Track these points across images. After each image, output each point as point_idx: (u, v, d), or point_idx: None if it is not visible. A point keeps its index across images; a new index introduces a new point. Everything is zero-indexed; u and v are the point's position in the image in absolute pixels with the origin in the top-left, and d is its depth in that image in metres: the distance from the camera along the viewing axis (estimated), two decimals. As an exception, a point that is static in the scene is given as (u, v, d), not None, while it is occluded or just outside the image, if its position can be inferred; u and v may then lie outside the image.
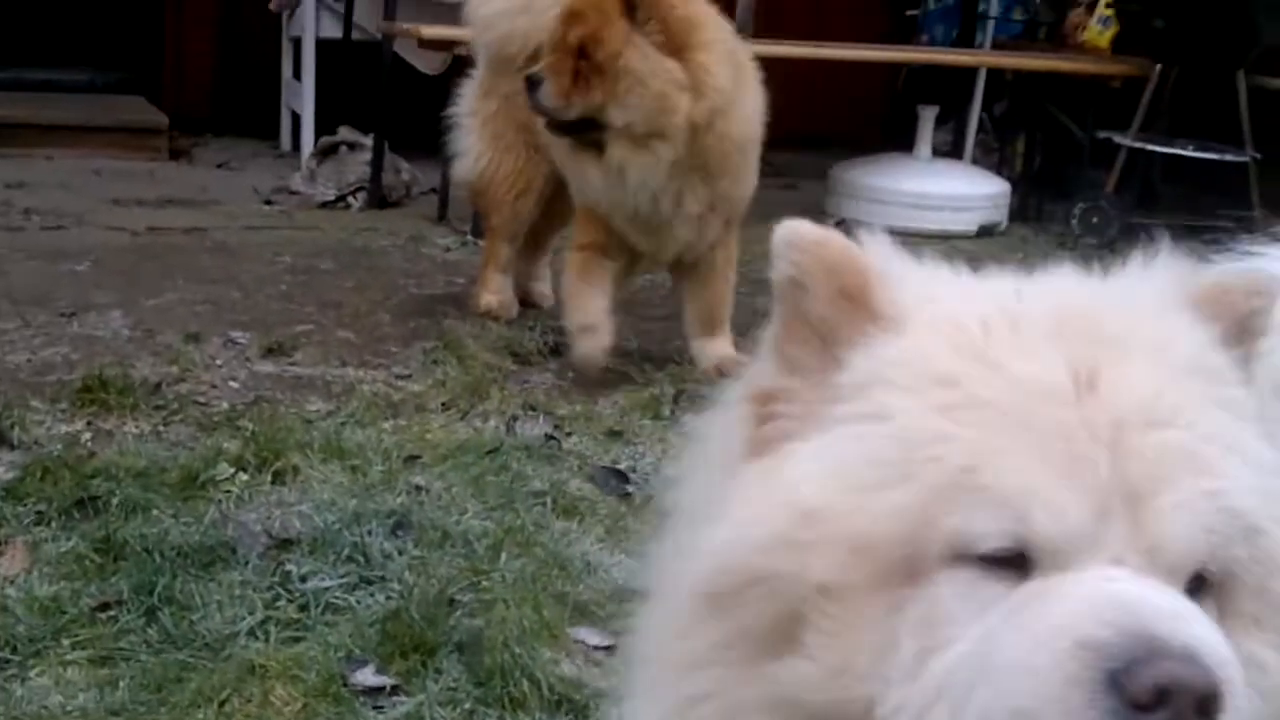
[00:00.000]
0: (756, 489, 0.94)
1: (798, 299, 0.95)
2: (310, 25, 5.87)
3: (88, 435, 2.87)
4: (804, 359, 0.95)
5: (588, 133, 3.31)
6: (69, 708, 1.98)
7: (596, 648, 2.18)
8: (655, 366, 3.47)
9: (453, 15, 5.67)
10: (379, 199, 5.25)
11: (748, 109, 3.39)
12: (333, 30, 5.94)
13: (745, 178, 3.47)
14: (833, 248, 0.94)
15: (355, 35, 5.90)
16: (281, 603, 2.23)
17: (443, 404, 3.16)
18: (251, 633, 2.15)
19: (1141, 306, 0.96)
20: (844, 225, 4.40)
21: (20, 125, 5.90)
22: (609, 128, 3.25)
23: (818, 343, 0.95)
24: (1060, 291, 0.97)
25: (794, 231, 0.95)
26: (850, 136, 6.62)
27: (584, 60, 3.23)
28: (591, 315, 3.38)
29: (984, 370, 0.89)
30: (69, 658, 2.08)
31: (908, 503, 0.88)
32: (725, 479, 0.96)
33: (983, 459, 0.87)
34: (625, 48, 3.19)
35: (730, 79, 3.30)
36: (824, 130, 6.91)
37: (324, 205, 5.23)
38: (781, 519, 0.91)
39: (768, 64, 6.44)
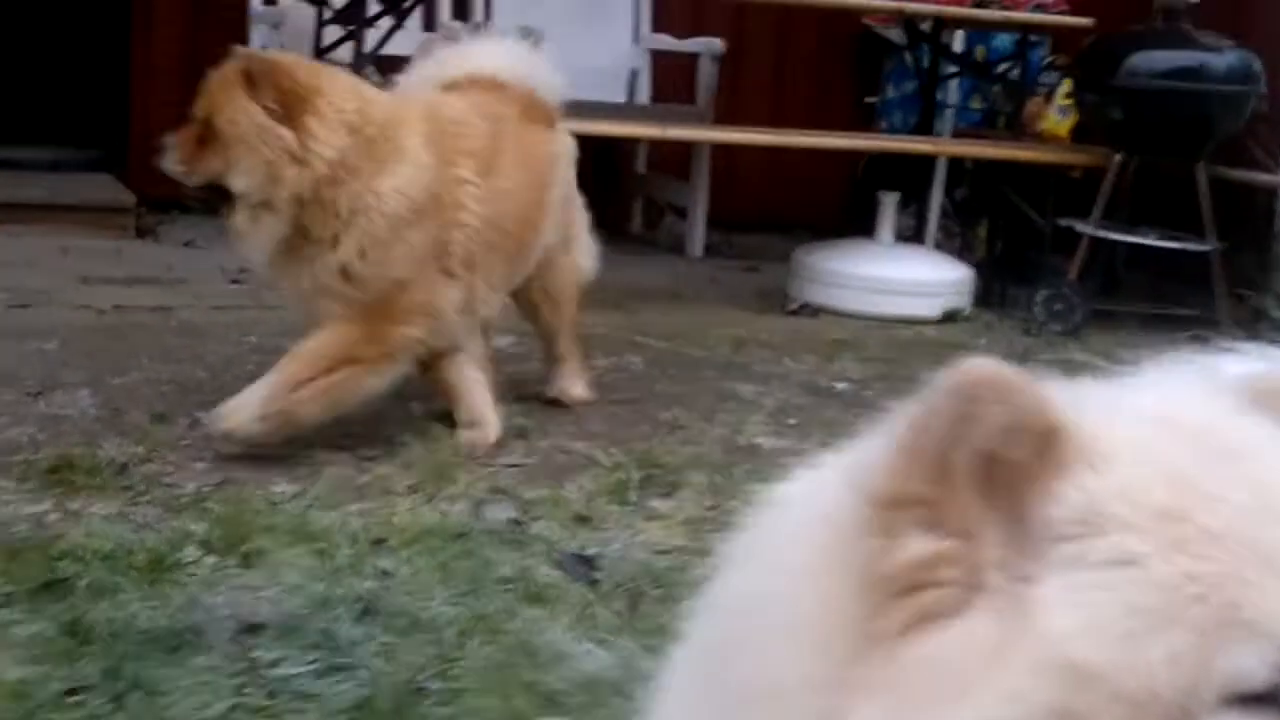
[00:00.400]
0: (982, 656, 0.84)
1: (980, 440, 0.86)
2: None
3: (55, 516, 2.86)
4: (969, 511, 0.87)
5: (221, 201, 3.34)
6: (35, 796, 1.97)
7: (566, 738, 2.18)
8: (622, 450, 3.48)
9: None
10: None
11: (380, 187, 3.27)
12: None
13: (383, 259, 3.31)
14: (1017, 381, 0.87)
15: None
16: (250, 689, 2.23)
17: (409, 486, 3.17)
18: (223, 720, 2.15)
19: (1232, 411, 0.94)
20: (807, 309, 4.51)
21: (-13, 203, 5.91)
22: (234, 196, 3.28)
23: (991, 489, 0.87)
24: (1168, 406, 0.94)
25: (988, 372, 0.86)
26: (811, 221, 6.71)
27: (207, 128, 3.27)
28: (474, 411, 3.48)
29: (1201, 500, 0.87)
30: (30, 745, 2.06)
31: (1182, 649, 0.84)
32: (861, 661, 0.87)
33: (1240, 593, 0.85)
34: (237, 114, 3.21)
35: (346, 150, 3.23)
36: (785, 215, 7.00)
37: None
38: (1055, 686, 0.83)
39: (730, 150, 6.58)
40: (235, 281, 5.27)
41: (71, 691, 2.19)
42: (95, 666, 2.25)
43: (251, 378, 3.92)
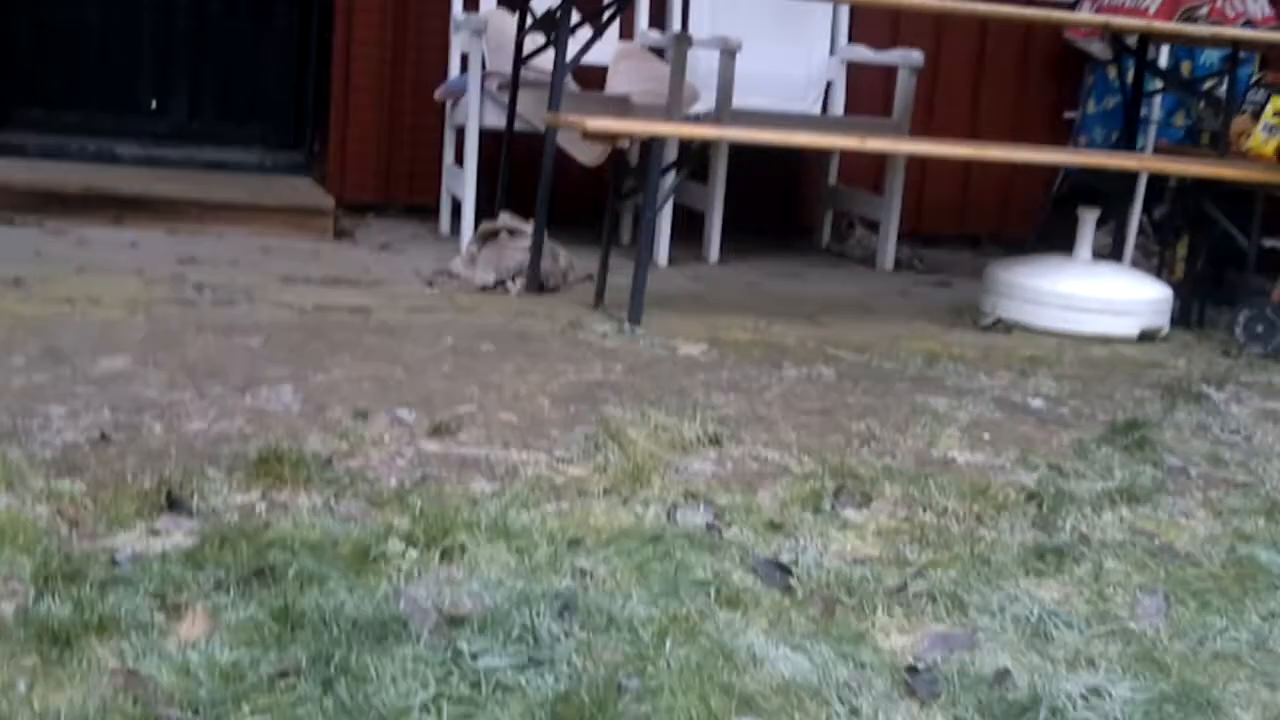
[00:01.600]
0: None
1: None
2: (474, 115, 6.03)
3: (262, 506, 2.94)
4: None
5: None
6: (248, 773, 2.02)
7: (765, 741, 2.17)
8: (814, 460, 3.46)
9: (616, 108, 5.80)
10: (537, 285, 5.34)
11: None
12: (495, 120, 6.09)
13: None
14: None
15: (518, 126, 6.05)
16: (454, 679, 2.26)
17: (604, 489, 3.19)
18: (424, 708, 2.18)
19: None
20: (1000, 325, 4.44)
21: (192, 203, 6.14)
22: None
23: None
24: None
25: None
26: (1002, 237, 6.61)
27: None
28: None
29: None
30: (242, 726, 2.12)
31: None
32: None
33: None
34: None
35: None
36: (975, 230, 6.91)
37: (483, 289, 5.33)
38: None
39: (922, 163, 6.50)
40: (430, 284, 5.38)
41: (282, 674, 2.24)
42: (305, 652, 2.30)
43: (447, 378, 4.02)
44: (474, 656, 2.34)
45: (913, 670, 2.42)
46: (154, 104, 7.04)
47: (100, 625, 2.35)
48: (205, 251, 5.60)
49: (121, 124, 6.93)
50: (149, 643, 2.32)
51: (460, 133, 6.20)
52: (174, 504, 2.87)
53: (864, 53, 6.70)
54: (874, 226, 6.63)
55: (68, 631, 2.31)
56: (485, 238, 5.61)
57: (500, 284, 5.38)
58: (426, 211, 6.58)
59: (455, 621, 2.46)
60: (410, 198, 6.66)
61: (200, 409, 3.56)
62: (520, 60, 5.93)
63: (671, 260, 6.11)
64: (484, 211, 5.87)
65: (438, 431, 3.51)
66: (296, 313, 4.75)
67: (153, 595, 2.47)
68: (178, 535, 2.75)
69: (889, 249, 6.47)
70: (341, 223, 6.30)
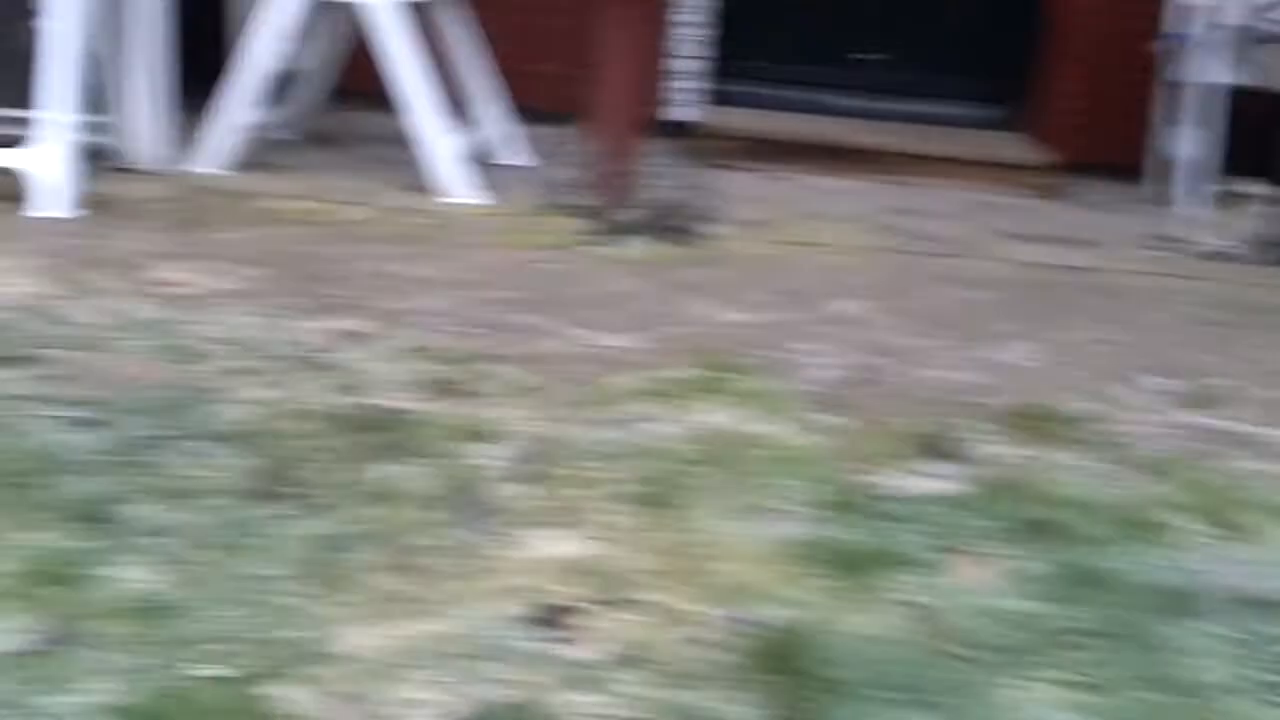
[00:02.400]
0: None
1: None
2: (1199, 71, 5.65)
3: (1023, 460, 2.86)
4: None
5: None
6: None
7: None
8: None
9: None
10: (1277, 256, 4.94)
11: None
12: (1220, 75, 5.68)
13: None
14: None
15: (1251, 82, 5.62)
16: (1257, 663, 2.09)
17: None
18: (1228, 689, 2.03)
19: None
20: None
21: (899, 154, 6.18)
22: None
23: None
24: None
25: None
26: None
27: None
28: None
29: None
30: (1039, 676, 2.05)
31: None
32: None
33: None
34: None
35: None
36: None
37: (1210, 256, 5.00)
38: None
39: None
40: (1151, 248, 5.11)
41: (1072, 633, 2.16)
42: (1093, 613, 2.21)
43: (1185, 346, 3.80)
44: (1277, 641, 2.15)
45: None
46: (860, 57, 7.14)
47: (882, 557, 2.36)
48: (915, 202, 5.61)
49: (829, 76, 7.08)
50: (930, 581, 2.31)
51: (1177, 89, 5.84)
52: (936, 449, 2.85)
53: None
54: None
55: (853, 559, 2.34)
56: (1217, 202, 5.26)
57: (1229, 252, 5.02)
58: (1137, 171, 6.27)
59: (1251, 603, 2.28)
60: (1120, 157, 6.36)
61: (937, 358, 3.54)
62: (1261, 11, 5.50)
63: None
64: (1206, 173, 5.50)
65: (1193, 403, 3.30)
66: (1015, 268, 4.66)
67: (929, 535, 2.45)
68: (942, 480, 2.73)
69: None
70: (1050, 180, 6.12)
